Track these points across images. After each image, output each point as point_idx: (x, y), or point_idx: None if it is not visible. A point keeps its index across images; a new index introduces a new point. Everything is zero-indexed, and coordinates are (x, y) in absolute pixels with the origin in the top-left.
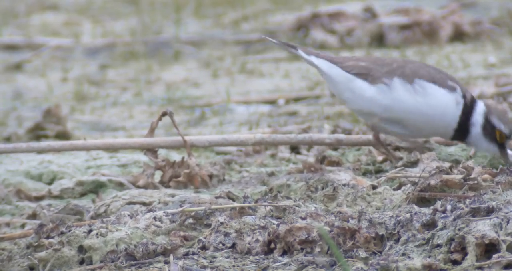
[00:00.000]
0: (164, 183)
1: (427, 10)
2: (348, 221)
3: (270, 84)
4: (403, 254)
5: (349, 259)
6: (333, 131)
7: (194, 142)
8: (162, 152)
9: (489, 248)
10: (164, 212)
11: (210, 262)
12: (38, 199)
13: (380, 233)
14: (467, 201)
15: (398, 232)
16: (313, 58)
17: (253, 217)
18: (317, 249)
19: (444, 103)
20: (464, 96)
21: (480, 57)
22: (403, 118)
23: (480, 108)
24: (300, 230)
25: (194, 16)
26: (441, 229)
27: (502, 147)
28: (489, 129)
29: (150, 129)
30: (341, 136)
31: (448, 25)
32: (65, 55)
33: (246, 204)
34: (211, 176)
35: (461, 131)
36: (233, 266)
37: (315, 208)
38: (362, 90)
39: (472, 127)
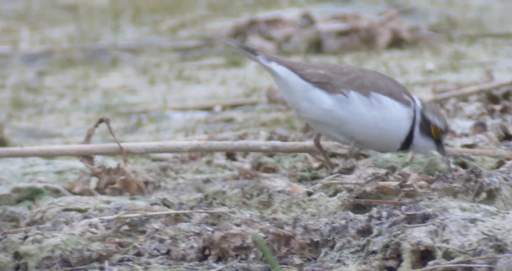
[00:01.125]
0: (100, 190)
1: (365, 17)
2: (283, 228)
3: (207, 91)
4: (338, 261)
5: (284, 265)
6: (269, 138)
7: (130, 149)
8: (98, 159)
9: (424, 255)
10: (100, 219)
11: (145, 268)
12: None
13: (315, 240)
14: (403, 207)
15: (333, 238)
16: (272, 64)
17: (188, 223)
18: (252, 256)
19: (398, 118)
20: (414, 109)
21: (418, 63)
22: (358, 131)
23: (417, 107)
24: (235, 237)
25: (132, 23)
26: (377, 236)
27: (438, 142)
28: (424, 126)
29: (86, 136)
30: (277, 143)
31: (386, 32)
32: (2, 62)
33: (181, 211)
34: (146, 183)
35: (407, 142)
36: None
37: (250, 214)
38: (320, 100)
39: (414, 131)
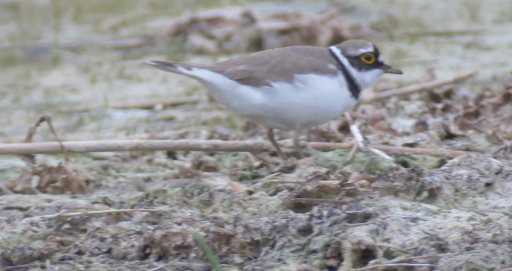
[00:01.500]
0: (41, 188)
1: (306, 15)
2: (223, 227)
3: (148, 89)
4: (279, 260)
5: (224, 264)
6: (210, 137)
7: (71, 147)
8: (39, 157)
9: (365, 254)
10: (41, 217)
11: (86, 267)
12: None
13: (256, 239)
14: (344, 206)
15: (274, 237)
16: (194, 71)
17: (129, 222)
18: (193, 255)
19: (329, 91)
20: (341, 68)
21: None
22: (295, 117)
23: (340, 56)
24: (176, 236)
25: (73, 21)
26: (317, 235)
27: (379, 64)
28: (357, 63)
29: (28, 134)
30: (218, 142)
31: (328, 30)
32: None
33: (122, 210)
34: (88, 181)
35: (354, 90)
36: None
37: (191, 213)
38: (248, 96)
39: (355, 78)
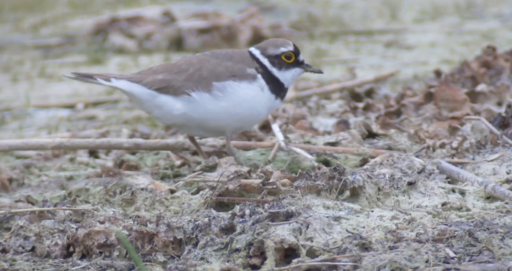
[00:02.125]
0: None
1: (226, 14)
2: (146, 225)
3: (69, 88)
4: (202, 259)
5: (148, 263)
6: (131, 136)
7: None
8: None
9: (288, 253)
10: None
11: (10, 265)
12: None
13: (179, 237)
14: (266, 205)
15: (197, 236)
16: (113, 82)
17: (52, 220)
18: (116, 253)
19: (249, 96)
20: (260, 71)
21: None
22: (218, 125)
23: (260, 57)
24: (99, 234)
25: None
26: (240, 234)
27: (299, 63)
28: (278, 62)
29: None
30: (139, 140)
31: (247, 29)
32: None
33: (45, 208)
34: (10, 180)
35: (278, 91)
36: (33, 269)
37: (114, 212)
38: (168, 106)
39: (278, 77)
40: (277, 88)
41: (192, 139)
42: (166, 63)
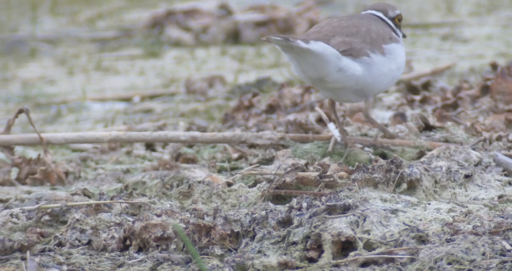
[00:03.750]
0: (20, 180)
1: (283, 7)
2: (203, 218)
3: (125, 81)
4: (259, 252)
5: (205, 256)
6: (188, 129)
7: (50, 139)
8: (18, 149)
9: (345, 246)
10: (21, 209)
11: (66, 258)
12: None
13: (236, 230)
14: (323, 198)
15: (254, 229)
16: (311, 44)
17: (109, 214)
18: (173, 246)
19: (403, 59)
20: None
21: None
22: (378, 88)
23: (386, 20)
24: (156, 227)
25: (50, 14)
26: (297, 227)
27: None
28: (396, 23)
29: (6, 126)
30: (196, 133)
31: (304, 22)
32: None
33: (102, 201)
34: (67, 173)
35: None
36: (89, 262)
37: (170, 205)
38: (351, 68)
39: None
40: None
41: (333, 105)
42: (327, 25)
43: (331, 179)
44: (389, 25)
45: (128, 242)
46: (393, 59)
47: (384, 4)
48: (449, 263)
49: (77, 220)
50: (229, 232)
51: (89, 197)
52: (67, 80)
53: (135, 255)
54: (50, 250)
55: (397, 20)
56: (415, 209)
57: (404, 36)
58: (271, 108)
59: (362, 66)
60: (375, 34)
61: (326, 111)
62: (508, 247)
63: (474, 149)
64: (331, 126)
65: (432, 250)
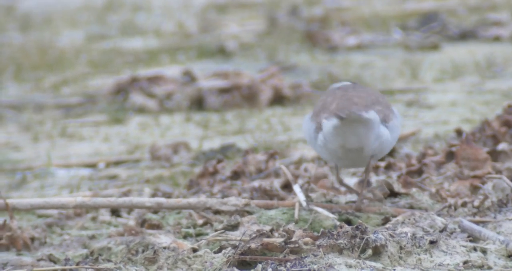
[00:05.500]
0: None
1: (247, 74)
2: None
3: (90, 148)
4: None
5: None
6: (153, 195)
7: (15, 205)
8: None
9: None
10: None
11: None
12: None
13: None
14: (288, 264)
15: None
16: (370, 114)
17: None
18: None
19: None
20: None
21: (300, 120)
22: (385, 150)
23: None
24: None
25: (14, 80)
26: None
27: None
28: None
29: None
30: (161, 199)
31: (268, 89)
32: None
33: (68, 267)
34: (33, 239)
35: None
36: None
37: (136, 270)
38: (385, 133)
39: None
40: None
41: (341, 181)
42: (352, 95)
43: (296, 245)
44: None
45: None
46: (399, 122)
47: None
48: None
49: None
50: None
51: (55, 263)
52: (32, 146)
53: None
54: None
55: None
56: None
57: None
58: (236, 175)
59: (389, 131)
60: (382, 99)
61: (293, 173)
62: None
63: (439, 215)
64: (297, 188)
65: None
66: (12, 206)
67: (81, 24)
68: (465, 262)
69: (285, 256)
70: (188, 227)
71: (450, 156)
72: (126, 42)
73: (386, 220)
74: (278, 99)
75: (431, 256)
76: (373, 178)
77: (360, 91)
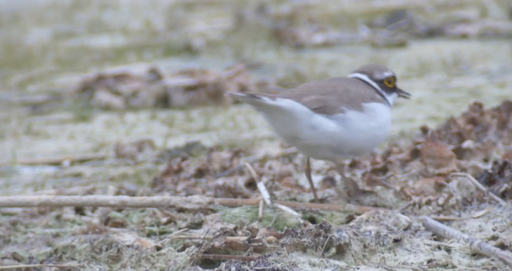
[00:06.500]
0: None
1: (213, 71)
2: None
3: (55, 145)
4: None
5: None
6: (118, 193)
7: None
8: None
9: None
10: None
11: None
12: None
13: None
14: (252, 262)
15: None
16: (277, 101)
17: None
18: None
19: (387, 119)
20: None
21: None
22: (360, 145)
23: (370, 82)
24: None
25: None
26: None
27: (396, 89)
28: (383, 86)
29: None
30: (126, 198)
31: (234, 86)
32: None
33: (32, 265)
34: None
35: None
36: None
37: (100, 269)
38: (323, 125)
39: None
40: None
41: (309, 172)
42: (304, 86)
43: (260, 244)
44: (373, 87)
45: None
46: (373, 116)
47: (372, 66)
48: None
49: None
50: None
51: (19, 261)
52: None
53: None
54: None
55: (387, 82)
56: None
57: (405, 96)
58: (200, 173)
59: (336, 123)
60: (353, 93)
61: (257, 170)
62: None
63: (403, 213)
64: (261, 186)
65: None
66: None
67: (48, 22)
68: (429, 261)
69: (248, 255)
70: (152, 225)
71: (415, 153)
72: (93, 40)
73: (350, 218)
74: None
75: (395, 255)
76: (338, 176)
77: (329, 83)
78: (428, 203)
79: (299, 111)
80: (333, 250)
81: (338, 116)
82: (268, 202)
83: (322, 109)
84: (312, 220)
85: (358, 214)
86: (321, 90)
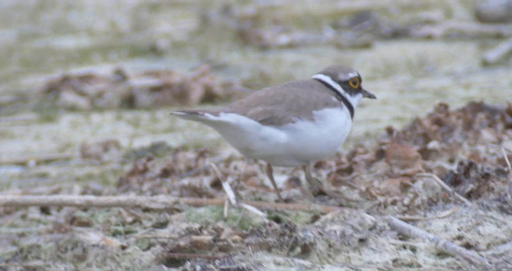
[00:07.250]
0: None
1: (178, 72)
2: None
3: (21, 146)
4: None
5: None
6: (83, 193)
7: None
8: None
9: None
10: None
11: None
12: None
13: None
14: (217, 262)
15: None
16: (221, 116)
17: None
18: None
19: (342, 123)
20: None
21: None
22: (314, 153)
23: (331, 83)
24: None
25: None
26: None
27: (361, 90)
28: (348, 87)
29: None
30: (91, 197)
31: (199, 87)
32: None
33: None
34: None
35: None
36: None
37: (65, 268)
38: (274, 136)
39: (351, 102)
40: (351, 113)
41: (270, 172)
42: (253, 96)
43: (225, 243)
44: (333, 89)
45: None
46: (323, 124)
47: (336, 67)
48: None
49: None
50: None
51: None
52: None
53: None
54: None
55: (352, 83)
56: None
57: (370, 97)
58: (166, 173)
59: (287, 134)
60: (303, 101)
61: (223, 170)
62: None
63: (368, 213)
64: (226, 186)
65: None
66: None
67: (13, 23)
68: (394, 260)
69: (214, 254)
70: (118, 225)
71: (381, 154)
72: (59, 41)
73: (315, 218)
74: (209, 97)
75: (360, 254)
76: (303, 176)
77: (279, 90)
78: (394, 203)
79: (246, 125)
80: (298, 249)
81: (287, 126)
82: (233, 201)
83: (270, 120)
84: (278, 220)
85: (323, 214)
86: (269, 100)
